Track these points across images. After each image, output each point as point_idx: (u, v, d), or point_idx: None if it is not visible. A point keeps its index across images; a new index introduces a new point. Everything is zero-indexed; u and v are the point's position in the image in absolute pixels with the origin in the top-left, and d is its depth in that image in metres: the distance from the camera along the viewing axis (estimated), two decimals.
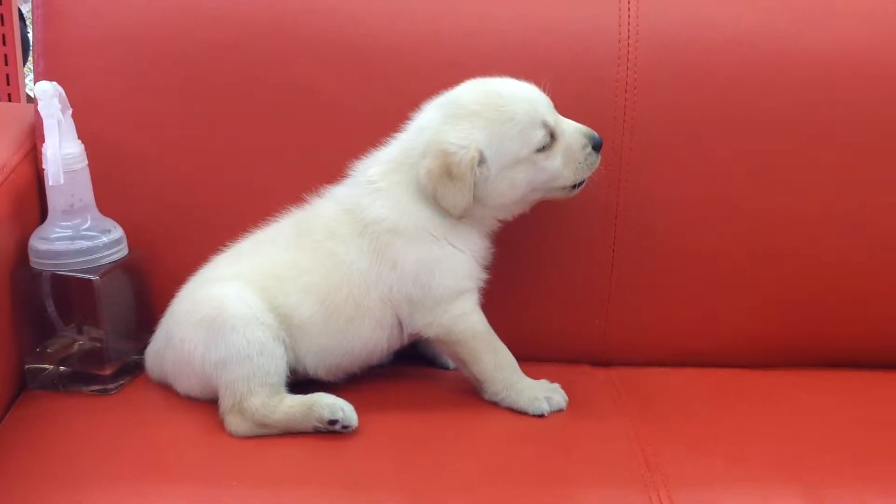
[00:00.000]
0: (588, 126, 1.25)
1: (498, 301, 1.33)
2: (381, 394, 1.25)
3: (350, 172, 1.26)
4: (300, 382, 1.21)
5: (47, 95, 1.17)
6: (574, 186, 1.23)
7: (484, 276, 1.25)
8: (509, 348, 1.29)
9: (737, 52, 1.30)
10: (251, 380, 1.15)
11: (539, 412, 1.21)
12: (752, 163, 1.31)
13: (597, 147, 1.22)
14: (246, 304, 1.17)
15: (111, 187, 1.30)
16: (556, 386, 1.25)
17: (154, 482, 1.07)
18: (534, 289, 1.36)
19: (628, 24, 1.30)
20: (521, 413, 1.22)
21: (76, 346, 1.29)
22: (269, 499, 1.05)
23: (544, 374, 1.29)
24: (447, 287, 1.21)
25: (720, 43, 1.30)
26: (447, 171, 1.17)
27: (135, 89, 1.32)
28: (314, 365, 1.22)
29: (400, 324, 1.23)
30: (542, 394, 1.23)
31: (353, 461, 1.11)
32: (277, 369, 1.17)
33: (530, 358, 1.34)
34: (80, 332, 1.28)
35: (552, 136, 1.20)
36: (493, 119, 1.18)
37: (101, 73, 1.32)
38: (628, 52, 1.30)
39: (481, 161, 1.17)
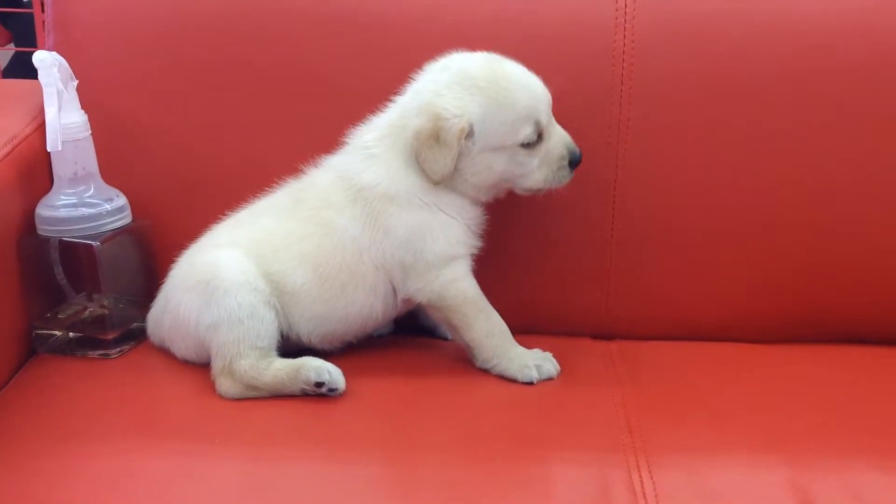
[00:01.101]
0: (586, 95, 1.26)
1: (498, 272, 1.34)
2: (376, 360, 1.26)
3: (347, 140, 1.27)
4: (297, 351, 1.22)
5: (45, 65, 1.20)
6: (539, 190, 1.24)
7: (477, 243, 1.26)
8: (509, 320, 1.29)
9: (737, 19, 1.28)
10: (241, 342, 1.17)
11: (528, 380, 1.22)
12: (753, 132, 1.29)
13: (573, 163, 1.23)
14: (239, 270, 1.19)
15: (117, 157, 1.34)
16: (548, 355, 1.25)
17: (142, 438, 1.10)
18: (534, 260, 1.35)
19: None
20: (512, 381, 1.22)
21: (87, 313, 1.32)
22: (250, 454, 1.07)
23: (544, 346, 1.29)
24: (438, 252, 1.21)
25: (720, 10, 1.29)
26: (435, 135, 1.17)
27: (140, 62, 1.35)
28: (308, 332, 1.23)
29: (394, 291, 1.24)
30: (533, 362, 1.23)
31: (337, 422, 1.13)
32: (267, 333, 1.19)
33: (531, 330, 1.34)
34: (90, 299, 1.32)
35: (539, 137, 1.21)
36: (493, 98, 1.18)
37: (108, 46, 1.35)
38: (625, 20, 1.29)
39: (469, 134, 1.18)
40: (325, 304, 1.22)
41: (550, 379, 1.23)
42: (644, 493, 1.01)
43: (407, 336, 1.34)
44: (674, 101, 1.30)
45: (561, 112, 1.30)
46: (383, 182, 1.21)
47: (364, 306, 1.23)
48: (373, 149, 1.23)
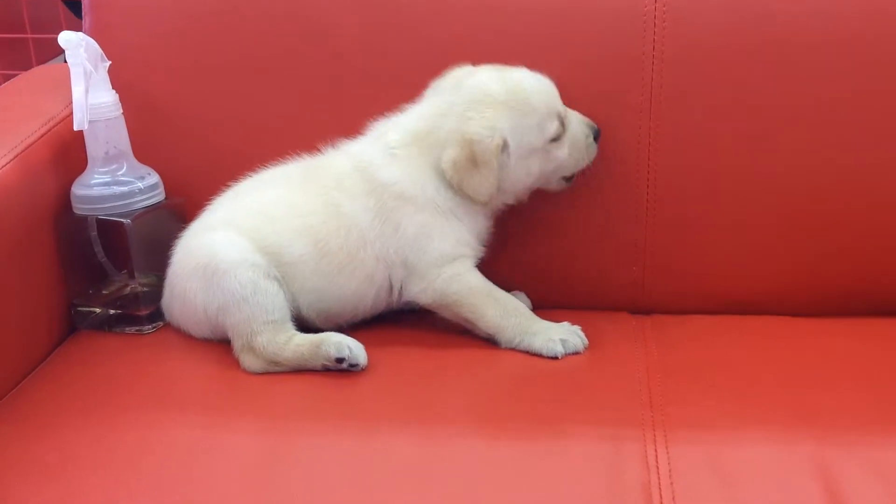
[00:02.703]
0: (618, 62, 1.25)
1: (532, 247, 1.33)
2: (399, 334, 1.25)
3: (367, 131, 1.27)
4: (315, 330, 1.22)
5: (72, 45, 1.22)
6: (570, 178, 1.27)
7: (481, 250, 1.25)
8: (545, 297, 1.29)
9: None
10: (252, 320, 1.18)
11: (553, 354, 1.19)
12: (791, 100, 1.24)
13: (596, 137, 1.24)
14: (235, 248, 1.20)
15: (151, 137, 1.36)
16: (576, 329, 1.23)
17: (166, 410, 1.12)
18: (568, 235, 1.33)
19: None
20: (537, 356, 1.20)
21: (128, 290, 1.34)
22: (270, 427, 1.07)
23: (581, 321, 1.26)
24: (442, 251, 1.21)
25: None
26: (472, 159, 1.18)
27: (172, 43, 1.36)
28: (307, 306, 1.23)
29: (391, 286, 1.24)
30: (558, 336, 1.20)
31: (357, 396, 1.13)
32: (276, 305, 1.19)
33: (568, 305, 1.32)
34: (132, 276, 1.34)
35: (562, 126, 1.23)
36: (516, 109, 1.21)
37: (142, 27, 1.37)
38: None
39: (504, 148, 1.19)
40: (323, 279, 1.22)
41: (577, 353, 1.20)
42: (658, 469, 0.98)
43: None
44: (708, 67, 1.25)
45: (593, 80, 1.28)
46: (402, 182, 1.21)
47: (356, 292, 1.23)
48: (396, 149, 1.23)
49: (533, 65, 1.26)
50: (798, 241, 1.28)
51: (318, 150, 1.28)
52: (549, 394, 1.12)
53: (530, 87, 1.22)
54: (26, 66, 2.44)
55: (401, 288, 1.24)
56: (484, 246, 1.26)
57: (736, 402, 1.08)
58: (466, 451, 1.03)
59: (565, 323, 1.24)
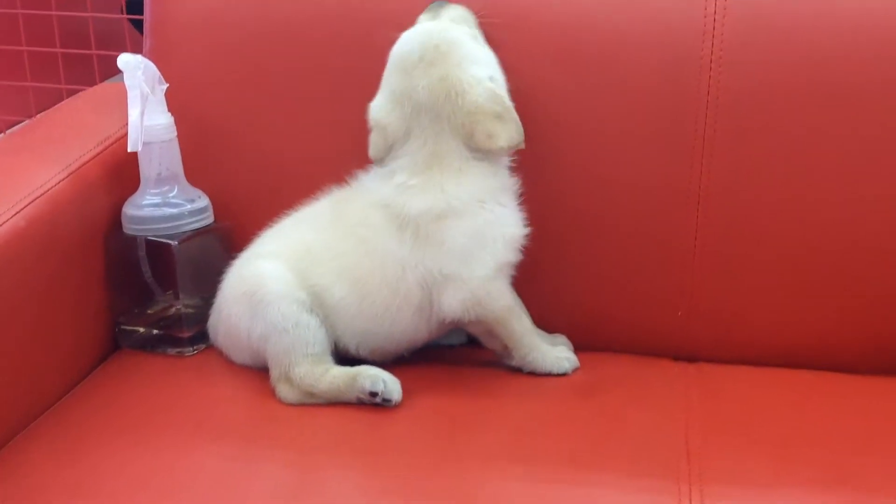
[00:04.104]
0: (671, 103, 1.25)
1: (573, 289, 1.31)
2: (437, 370, 1.24)
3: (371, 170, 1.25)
4: (357, 361, 1.22)
5: (130, 67, 1.24)
6: None
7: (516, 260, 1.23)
8: (584, 339, 1.29)
9: (829, 26, 1.20)
10: (292, 352, 1.17)
11: (563, 371, 1.23)
12: (847, 146, 1.21)
13: None
14: (282, 281, 1.19)
15: (204, 159, 1.37)
16: (564, 341, 1.28)
17: (198, 435, 1.12)
18: (611, 277, 1.30)
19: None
20: (546, 375, 1.23)
21: (172, 311, 1.36)
22: (297, 461, 1.07)
23: (621, 366, 1.26)
24: (491, 264, 1.19)
25: (811, 17, 1.21)
26: (498, 115, 1.17)
27: (228, 67, 1.37)
28: (356, 346, 1.22)
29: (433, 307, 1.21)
30: (563, 354, 1.24)
31: (389, 433, 1.12)
32: (316, 339, 1.18)
33: (609, 348, 1.31)
34: (177, 297, 1.35)
35: None
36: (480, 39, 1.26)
37: (199, 51, 1.38)
38: (714, 26, 1.23)
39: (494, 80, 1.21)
40: (368, 321, 1.20)
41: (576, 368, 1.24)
42: None
43: (474, 347, 1.30)
44: (762, 111, 1.22)
45: (643, 121, 1.26)
46: (437, 204, 1.18)
47: (409, 326, 1.21)
48: (410, 181, 1.20)
49: (582, 104, 1.26)
50: (849, 294, 1.24)
51: (346, 180, 1.27)
52: (586, 438, 1.10)
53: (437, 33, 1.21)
54: (90, 82, 2.50)
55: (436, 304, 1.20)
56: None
57: (775, 459, 1.05)
58: (499, 493, 1.02)
59: (561, 346, 1.27)
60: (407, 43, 1.22)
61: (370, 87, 1.33)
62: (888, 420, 1.14)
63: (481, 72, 1.20)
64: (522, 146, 1.20)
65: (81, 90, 1.69)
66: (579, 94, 1.26)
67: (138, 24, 2.56)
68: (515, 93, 1.23)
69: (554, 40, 1.27)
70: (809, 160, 1.23)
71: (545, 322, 1.27)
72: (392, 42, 1.24)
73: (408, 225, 1.19)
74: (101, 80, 2.39)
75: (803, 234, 1.24)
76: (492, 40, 1.27)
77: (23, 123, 2.61)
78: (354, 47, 1.33)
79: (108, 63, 2.37)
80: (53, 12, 2.32)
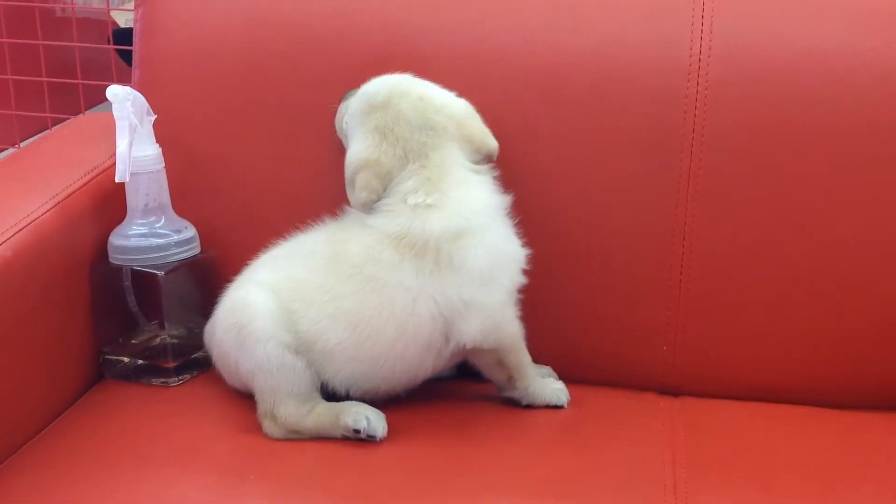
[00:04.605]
0: (655, 142, 1.27)
1: (559, 320, 1.31)
2: (422, 405, 1.23)
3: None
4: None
5: (118, 98, 1.25)
6: None
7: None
8: (568, 370, 1.29)
9: (812, 68, 1.23)
10: (277, 392, 1.17)
11: (561, 403, 1.24)
12: (829, 185, 1.23)
13: None
14: (269, 319, 1.17)
15: (190, 190, 1.37)
16: (550, 372, 1.30)
17: (181, 467, 1.11)
18: (597, 310, 1.31)
19: (700, 38, 1.25)
20: (545, 407, 1.24)
21: (157, 341, 1.35)
22: (280, 493, 1.07)
23: (606, 399, 1.27)
24: (505, 289, 1.19)
25: (795, 59, 1.23)
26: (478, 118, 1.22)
27: (215, 99, 1.38)
28: (346, 388, 1.20)
29: (447, 343, 1.19)
30: (559, 386, 1.26)
31: (376, 467, 1.11)
32: (301, 381, 1.17)
33: (593, 381, 1.31)
34: (162, 327, 1.35)
35: None
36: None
37: (187, 83, 1.39)
38: (699, 67, 1.25)
39: None
40: (366, 364, 1.18)
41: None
42: None
43: (460, 381, 1.30)
44: (747, 150, 1.24)
45: (629, 159, 1.27)
46: (455, 220, 1.16)
47: (413, 363, 1.19)
48: (425, 201, 1.18)
49: (569, 141, 1.27)
50: (833, 330, 1.26)
51: (338, 213, 1.26)
52: (573, 472, 1.10)
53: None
54: (75, 111, 2.50)
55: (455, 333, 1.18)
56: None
57: (762, 493, 1.06)
58: None
59: (550, 377, 1.28)
60: (371, 87, 1.24)
61: None
62: (872, 454, 1.16)
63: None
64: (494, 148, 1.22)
65: (66, 119, 1.69)
66: (566, 132, 1.27)
67: (124, 55, 2.57)
68: (503, 132, 1.24)
69: (541, 80, 1.29)
70: (793, 198, 1.24)
71: (531, 353, 1.28)
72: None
73: (428, 250, 1.15)
74: (87, 108, 2.40)
75: (787, 271, 1.26)
76: (481, 80, 1.29)
77: (7, 152, 2.61)
78: (342, 80, 1.33)
79: (93, 92, 2.37)
80: (40, 41, 2.32)
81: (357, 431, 1.14)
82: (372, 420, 1.15)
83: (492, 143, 1.22)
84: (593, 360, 1.33)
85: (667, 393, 1.32)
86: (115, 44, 2.48)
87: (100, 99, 2.85)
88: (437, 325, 1.17)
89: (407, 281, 1.16)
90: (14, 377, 1.18)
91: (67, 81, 2.33)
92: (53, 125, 2.41)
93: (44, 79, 2.33)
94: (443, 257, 1.16)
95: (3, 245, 1.16)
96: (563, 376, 1.30)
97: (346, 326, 1.17)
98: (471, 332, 1.17)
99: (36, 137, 2.60)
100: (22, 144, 2.42)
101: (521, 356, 1.22)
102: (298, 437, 1.17)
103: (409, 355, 1.18)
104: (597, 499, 1.06)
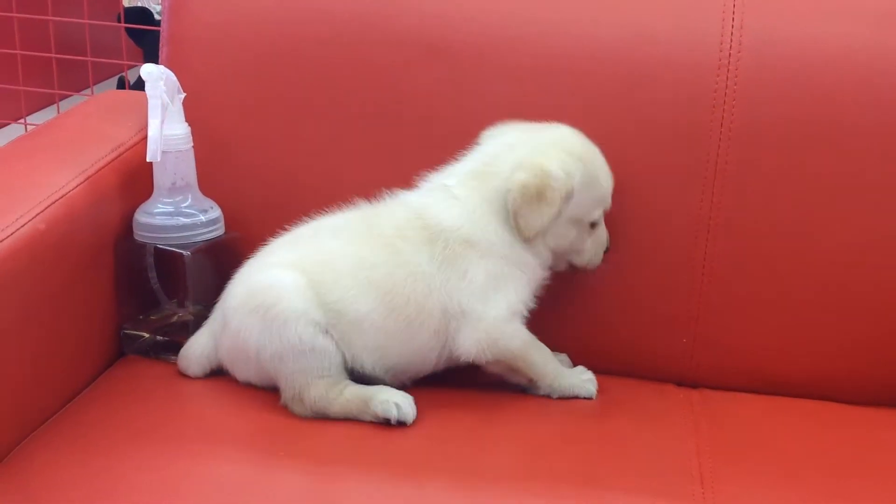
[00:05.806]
0: (684, 136, 1.28)
1: (580, 310, 1.33)
2: (447, 385, 1.24)
3: (423, 182, 1.26)
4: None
5: (152, 77, 1.24)
6: (573, 268, 1.28)
7: (533, 305, 1.24)
8: (587, 361, 1.30)
9: (841, 67, 1.24)
10: (307, 373, 1.16)
11: (589, 395, 1.25)
12: (856, 182, 1.25)
13: (606, 251, 1.28)
14: (301, 299, 1.17)
15: (216, 170, 1.37)
16: (566, 360, 1.31)
17: (207, 444, 1.12)
18: (618, 300, 1.33)
19: (731, 34, 1.27)
20: (573, 398, 1.25)
21: (175, 318, 1.35)
22: (310, 470, 1.08)
23: (625, 389, 1.28)
24: (510, 303, 1.20)
25: (824, 57, 1.25)
26: (541, 192, 1.17)
27: (243, 80, 1.38)
28: (372, 363, 1.20)
29: (444, 346, 1.21)
30: (587, 377, 1.26)
31: (406, 448, 1.12)
32: (332, 363, 1.17)
33: (612, 371, 1.32)
34: (181, 305, 1.35)
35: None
36: (590, 173, 1.22)
37: (216, 63, 1.39)
38: (729, 63, 1.26)
39: (569, 198, 1.19)
40: (389, 337, 1.19)
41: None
42: None
43: None
44: (774, 145, 1.26)
45: (657, 151, 1.28)
46: (465, 226, 1.19)
47: (423, 347, 1.20)
48: (455, 190, 1.22)
49: (598, 133, 1.27)
50: (855, 326, 1.28)
51: (376, 197, 1.27)
52: (596, 459, 1.12)
53: (602, 164, 1.24)
54: (79, 87, 2.50)
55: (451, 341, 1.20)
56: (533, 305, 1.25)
57: (786, 487, 1.07)
58: None
59: (580, 367, 1.29)
60: (571, 133, 1.25)
61: (380, 105, 1.35)
62: (887, 451, 1.17)
63: (573, 178, 1.20)
64: (525, 235, 1.20)
65: (72, 95, 1.68)
66: (595, 124, 1.27)
67: (133, 34, 2.56)
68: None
69: (571, 73, 1.30)
70: (818, 195, 1.26)
71: (550, 341, 1.28)
72: None
73: (436, 239, 1.19)
74: (93, 86, 2.39)
75: (809, 267, 1.27)
76: (510, 72, 1.30)
77: (12, 127, 2.60)
78: (365, 66, 1.35)
79: (98, 70, 2.36)
80: (50, 17, 2.31)
81: (387, 420, 1.15)
82: (402, 406, 1.14)
83: (524, 233, 1.19)
84: (613, 349, 1.34)
85: (685, 384, 1.33)
86: (125, 22, 2.47)
87: (105, 76, 2.85)
88: (444, 319, 1.19)
89: (423, 265, 1.19)
90: (42, 350, 1.18)
91: (78, 59, 2.32)
92: (60, 102, 2.40)
93: (53, 55, 2.31)
94: (449, 253, 1.19)
95: (38, 217, 1.15)
96: (582, 365, 1.31)
97: (377, 294, 1.18)
98: (467, 345, 1.19)
99: (42, 112, 2.60)
100: (28, 119, 2.40)
101: (532, 359, 1.22)
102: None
103: (420, 336, 1.19)
104: (625, 483, 1.07)
